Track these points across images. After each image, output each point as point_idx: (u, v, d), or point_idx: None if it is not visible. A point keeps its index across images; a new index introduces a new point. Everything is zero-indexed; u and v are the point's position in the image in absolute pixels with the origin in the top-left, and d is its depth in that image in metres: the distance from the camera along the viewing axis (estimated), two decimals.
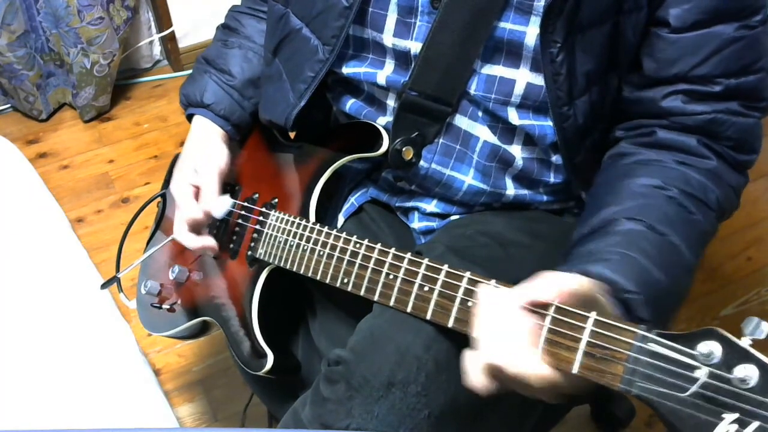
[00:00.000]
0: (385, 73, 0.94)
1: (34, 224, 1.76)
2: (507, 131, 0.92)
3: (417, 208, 1.02)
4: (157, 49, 2.38)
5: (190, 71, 2.40)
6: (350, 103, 1.00)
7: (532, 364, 0.67)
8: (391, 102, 0.96)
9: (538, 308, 0.69)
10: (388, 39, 0.91)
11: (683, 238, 0.79)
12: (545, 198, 0.99)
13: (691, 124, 0.85)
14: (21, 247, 1.67)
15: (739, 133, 0.85)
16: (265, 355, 0.96)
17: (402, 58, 0.92)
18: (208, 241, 1.02)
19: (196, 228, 1.03)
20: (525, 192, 0.97)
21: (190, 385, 1.61)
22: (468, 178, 0.95)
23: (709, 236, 0.85)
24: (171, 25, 2.27)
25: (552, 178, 0.96)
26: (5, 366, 1.43)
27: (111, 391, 1.44)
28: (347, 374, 0.81)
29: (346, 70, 0.96)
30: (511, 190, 0.96)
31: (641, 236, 0.78)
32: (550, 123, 0.89)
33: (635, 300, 0.73)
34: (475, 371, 0.70)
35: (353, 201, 1.06)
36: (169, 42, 2.32)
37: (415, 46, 0.90)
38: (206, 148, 1.07)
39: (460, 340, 0.78)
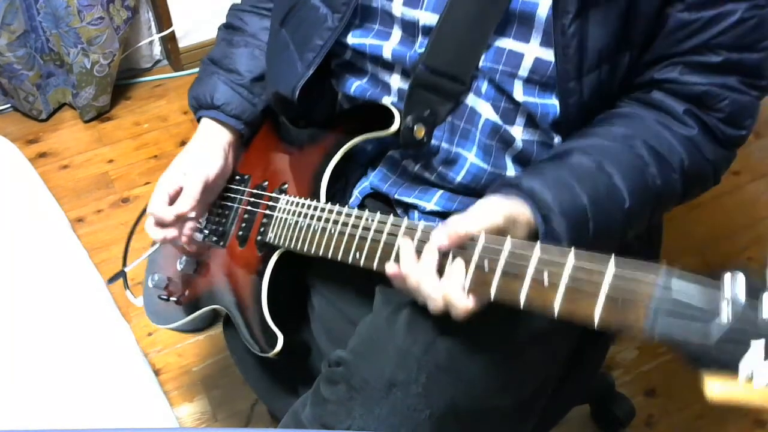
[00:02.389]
0: (391, 44, 0.93)
1: (34, 224, 1.76)
2: (509, 111, 0.91)
3: (417, 206, 1.01)
4: (157, 49, 2.38)
5: (190, 71, 2.42)
6: (355, 86, 1.00)
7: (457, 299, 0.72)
8: (395, 82, 0.95)
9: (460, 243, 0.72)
10: (398, 8, 0.91)
11: (628, 184, 0.81)
12: None
13: (685, 93, 0.85)
14: (21, 247, 1.67)
15: (733, 107, 0.85)
16: (275, 336, 0.95)
17: (409, 29, 0.91)
18: (169, 233, 1.04)
19: (160, 223, 1.05)
20: None
21: (190, 385, 1.61)
22: (471, 155, 0.94)
23: (667, 196, 0.86)
24: (171, 25, 2.27)
25: None
26: (5, 366, 1.43)
27: (111, 391, 1.44)
28: (348, 375, 0.81)
29: (352, 40, 0.95)
30: (511, 171, 0.96)
31: (586, 168, 0.81)
32: (553, 101, 0.88)
33: (551, 211, 0.76)
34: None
35: (357, 194, 1.06)
36: (169, 42, 2.32)
37: (423, 17, 0.89)
38: (204, 153, 1.07)
39: (461, 339, 0.79)
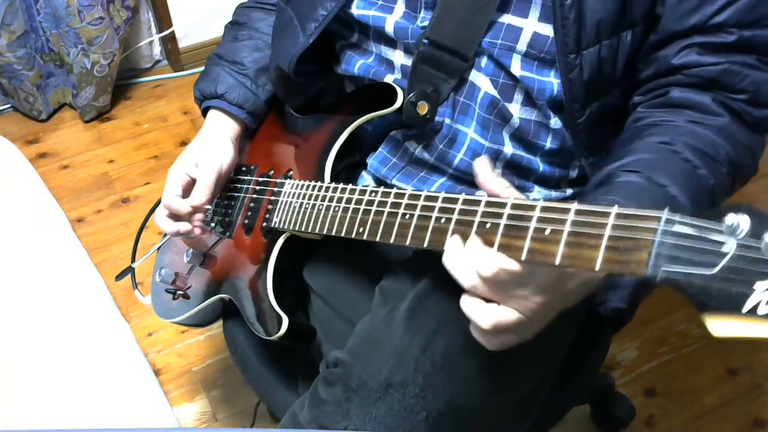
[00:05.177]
0: (395, 17, 0.93)
1: (34, 224, 1.76)
2: (508, 87, 0.91)
3: None
4: (157, 49, 2.38)
5: (190, 71, 2.42)
6: (359, 64, 1.00)
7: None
8: (398, 59, 0.96)
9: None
10: None
11: (684, 191, 0.79)
12: (541, 166, 0.98)
13: (705, 75, 0.84)
14: (21, 247, 1.68)
15: (755, 85, 0.84)
16: (280, 318, 0.95)
17: (413, 2, 0.92)
18: (183, 227, 1.03)
19: (174, 215, 1.04)
20: (522, 154, 0.96)
21: (190, 385, 1.61)
22: (470, 131, 0.94)
23: (720, 193, 0.84)
24: (171, 25, 2.27)
25: (549, 143, 0.95)
26: (5, 366, 1.44)
27: (111, 391, 1.45)
28: (345, 376, 0.81)
29: (356, 11, 0.96)
30: (509, 147, 0.95)
31: (636, 186, 0.78)
32: (550, 79, 0.88)
33: None
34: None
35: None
36: (169, 42, 2.32)
37: None
38: (214, 144, 1.08)
39: (458, 338, 0.78)
